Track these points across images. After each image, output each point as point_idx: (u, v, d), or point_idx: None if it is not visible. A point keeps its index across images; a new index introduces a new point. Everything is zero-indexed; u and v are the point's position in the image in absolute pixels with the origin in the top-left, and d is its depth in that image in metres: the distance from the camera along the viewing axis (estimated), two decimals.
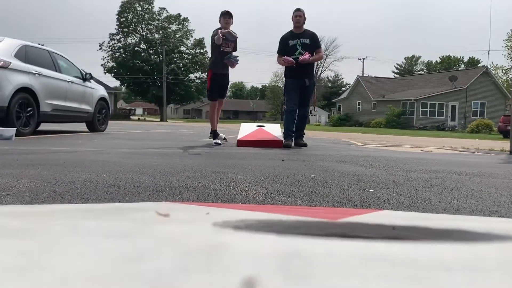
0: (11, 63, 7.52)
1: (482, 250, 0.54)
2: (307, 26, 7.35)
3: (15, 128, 7.09)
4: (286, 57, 7.13)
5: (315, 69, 7.67)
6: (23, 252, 0.44)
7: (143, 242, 0.52)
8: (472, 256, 0.50)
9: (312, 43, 7.27)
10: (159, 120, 54.88)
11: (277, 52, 7.37)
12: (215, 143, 7.21)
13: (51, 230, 0.59)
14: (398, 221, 0.95)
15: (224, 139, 7.61)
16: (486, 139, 17.78)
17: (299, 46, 7.17)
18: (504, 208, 2.36)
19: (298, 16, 7.22)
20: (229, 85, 7.73)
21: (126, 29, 56.44)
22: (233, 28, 7.43)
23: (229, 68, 7.47)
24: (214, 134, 7.46)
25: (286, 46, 7.23)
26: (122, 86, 61.75)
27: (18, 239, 0.51)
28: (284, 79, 7.59)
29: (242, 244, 0.54)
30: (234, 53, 7.42)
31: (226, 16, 7.23)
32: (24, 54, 8.05)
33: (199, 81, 57.75)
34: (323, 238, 0.57)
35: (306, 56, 7.06)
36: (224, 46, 7.26)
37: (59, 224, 0.64)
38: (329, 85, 78.77)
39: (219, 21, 7.32)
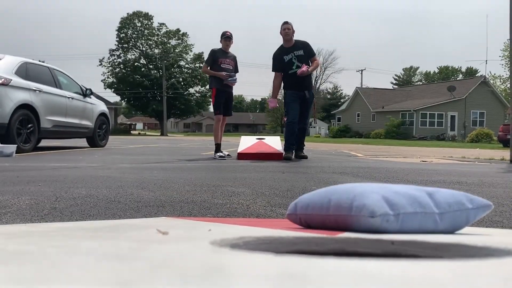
0: (11, 80, 7.55)
1: (478, 267, 0.53)
2: (298, 36, 7.36)
3: (16, 145, 7.09)
4: (270, 104, 7.75)
5: (314, 81, 7.69)
6: (20, 279, 0.44)
7: (139, 264, 0.52)
8: (467, 274, 0.50)
9: (307, 53, 7.26)
10: (159, 134, 54.89)
11: (273, 70, 7.36)
12: (219, 156, 7.22)
13: (48, 253, 0.58)
14: (398, 234, 0.94)
15: (228, 155, 7.62)
16: (486, 149, 17.77)
17: (295, 60, 7.15)
18: (505, 218, 2.35)
19: (287, 29, 7.18)
20: (232, 102, 7.75)
21: (126, 45, 56.69)
22: (233, 47, 7.56)
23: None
24: (217, 148, 7.47)
25: (281, 62, 7.21)
26: (122, 101, 61.90)
27: (15, 265, 0.51)
28: (282, 90, 7.56)
29: (238, 265, 0.53)
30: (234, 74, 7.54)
31: (226, 39, 7.40)
32: (24, 71, 8.08)
33: (199, 95, 57.91)
34: (320, 257, 0.57)
35: (304, 68, 7.04)
36: (224, 63, 7.35)
37: (56, 246, 0.64)
38: (328, 97, 78.81)
39: (220, 41, 7.49)
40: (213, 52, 7.37)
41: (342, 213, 1.03)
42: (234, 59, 7.55)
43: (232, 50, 7.62)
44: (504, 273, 0.52)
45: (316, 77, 61.18)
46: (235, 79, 7.43)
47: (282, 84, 7.38)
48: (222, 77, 7.21)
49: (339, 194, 1.08)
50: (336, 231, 1.00)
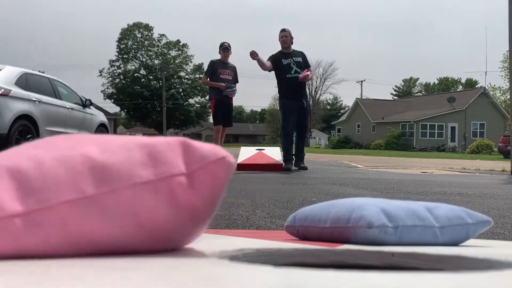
0: (11, 90, 7.56)
1: (479, 280, 0.53)
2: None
3: None
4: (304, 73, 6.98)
5: (313, 92, 7.67)
6: (16, 285, 0.43)
7: (136, 275, 0.51)
8: (468, 286, 0.49)
9: (304, 61, 7.28)
10: None
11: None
12: None
13: (45, 263, 0.57)
14: (398, 246, 0.93)
15: None
16: (487, 160, 17.76)
17: (294, 65, 7.13)
18: (507, 229, 2.33)
19: (284, 36, 7.19)
20: (232, 113, 7.78)
21: (126, 56, 56.89)
22: (232, 57, 7.61)
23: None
24: None
25: (280, 65, 7.14)
26: (122, 111, 61.95)
27: (13, 273, 0.50)
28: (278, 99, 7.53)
29: (237, 277, 0.53)
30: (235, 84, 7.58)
31: (225, 50, 7.46)
32: (24, 82, 8.09)
33: (199, 105, 58.03)
34: (319, 270, 0.56)
35: (309, 72, 7.03)
36: (224, 74, 7.38)
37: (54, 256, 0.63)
38: (328, 107, 78.94)
39: (219, 52, 7.52)
40: (212, 63, 7.42)
41: (339, 225, 1.03)
42: (233, 69, 7.58)
43: (231, 60, 7.65)
44: (505, 286, 0.51)
45: (316, 87, 61.32)
46: (234, 90, 7.45)
47: (279, 92, 7.35)
48: (221, 87, 7.24)
49: (338, 207, 1.08)
50: (333, 243, 1.00)
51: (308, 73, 7.02)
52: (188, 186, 0.67)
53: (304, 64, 7.28)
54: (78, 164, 0.64)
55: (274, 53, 7.28)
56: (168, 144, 0.70)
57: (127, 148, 0.68)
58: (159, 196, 0.65)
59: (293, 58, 7.17)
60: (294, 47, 7.34)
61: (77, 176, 0.63)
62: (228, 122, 7.62)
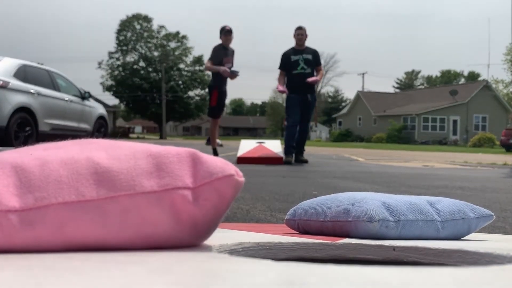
0: (9, 82, 7.53)
1: (480, 274, 0.52)
2: (308, 43, 7.48)
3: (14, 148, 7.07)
4: (280, 87, 7.39)
5: (315, 84, 7.76)
6: (14, 285, 0.42)
7: (136, 269, 0.51)
8: (469, 281, 0.48)
9: (314, 59, 7.38)
10: (158, 138, 54.94)
11: (279, 68, 7.43)
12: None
13: (43, 258, 0.57)
14: (399, 240, 0.93)
15: (221, 145, 7.61)
16: (489, 153, 17.77)
17: (302, 62, 7.23)
18: (508, 223, 2.32)
19: (300, 34, 7.36)
20: (225, 102, 7.81)
21: (125, 47, 56.68)
22: (233, 44, 7.52)
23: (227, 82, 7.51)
24: (215, 152, 7.44)
25: (288, 61, 7.29)
26: (121, 104, 61.88)
27: (11, 270, 0.49)
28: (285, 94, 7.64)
29: (237, 272, 0.52)
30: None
31: (227, 34, 7.34)
32: (23, 74, 8.06)
33: (199, 98, 57.91)
34: (320, 264, 0.55)
35: (319, 77, 7.36)
36: (225, 62, 7.33)
37: (53, 251, 0.62)
38: (329, 100, 78.90)
39: (220, 37, 7.41)
40: (216, 51, 7.27)
41: (340, 219, 1.03)
42: (233, 53, 7.53)
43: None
44: (506, 280, 0.51)
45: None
46: (238, 72, 7.41)
47: (286, 86, 7.45)
48: (224, 73, 7.06)
49: (339, 201, 1.07)
50: (334, 237, 0.99)
51: (317, 78, 7.29)
52: (192, 201, 0.66)
53: (315, 62, 7.41)
54: (81, 168, 0.64)
55: (286, 49, 7.44)
56: (178, 156, 0.69)
57: (135, 157, 0.68)
58: (161, 207, 0.65)
59: (303, 55, 7.30)
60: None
61: (79, 180, 0.63)
62: (222, 111, 7.69)
